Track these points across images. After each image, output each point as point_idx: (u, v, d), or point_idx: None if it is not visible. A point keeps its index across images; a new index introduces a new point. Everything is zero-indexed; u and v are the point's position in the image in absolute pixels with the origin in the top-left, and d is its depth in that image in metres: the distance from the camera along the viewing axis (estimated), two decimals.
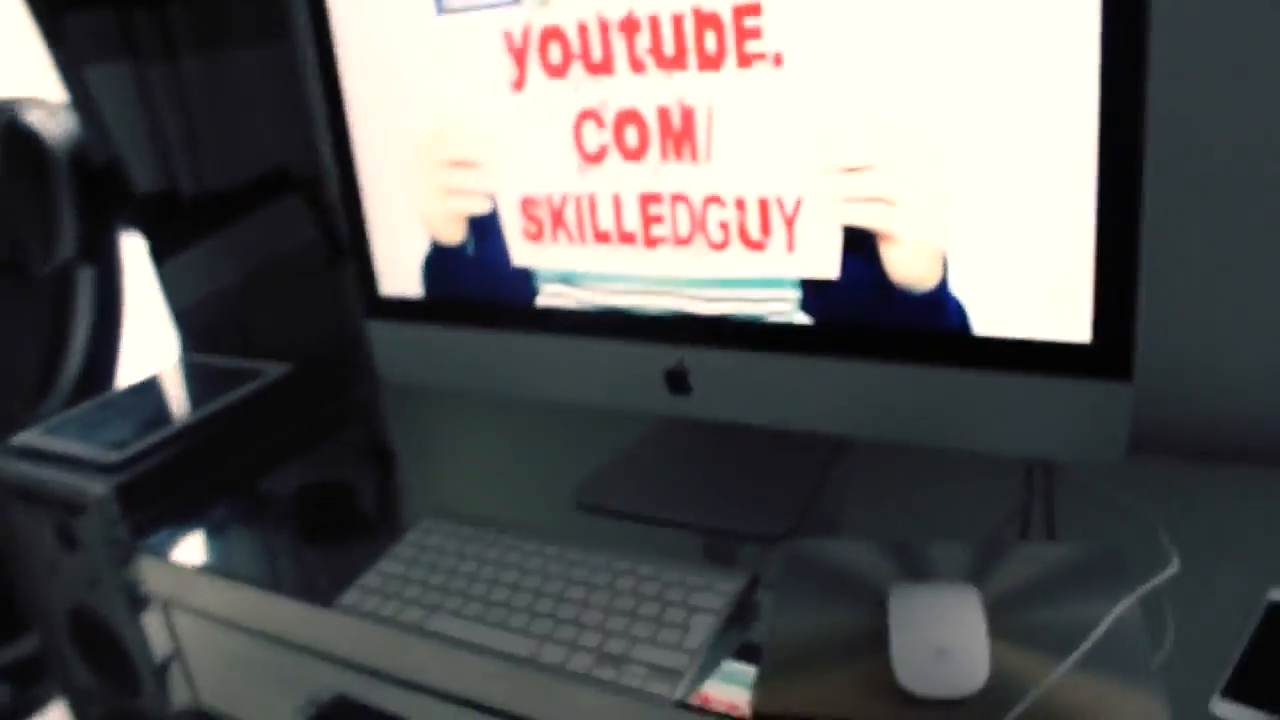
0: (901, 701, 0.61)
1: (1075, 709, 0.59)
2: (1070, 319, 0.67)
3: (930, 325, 0.72)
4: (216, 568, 0.90)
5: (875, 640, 0.66)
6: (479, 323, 0.91)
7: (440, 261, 0.92)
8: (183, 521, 0.96)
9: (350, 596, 0.80)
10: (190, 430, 1.02)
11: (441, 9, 0.83)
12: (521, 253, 0.87)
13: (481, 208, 0.88)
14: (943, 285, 0.71)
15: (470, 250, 0.90)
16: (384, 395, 1.22)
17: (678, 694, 0.65)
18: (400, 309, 0.96)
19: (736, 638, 0.70)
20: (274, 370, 1.14)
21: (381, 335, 0.99)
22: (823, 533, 0.84)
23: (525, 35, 0.80)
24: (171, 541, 0.94)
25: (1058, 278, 0.67)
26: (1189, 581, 0.68)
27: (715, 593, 0.73)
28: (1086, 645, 0.61)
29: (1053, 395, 0.69)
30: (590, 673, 0.68)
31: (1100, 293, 0.65)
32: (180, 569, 0.91)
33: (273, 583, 0.86)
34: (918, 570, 0.74)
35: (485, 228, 0.88)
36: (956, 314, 0.71)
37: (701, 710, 0.64)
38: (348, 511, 0.97)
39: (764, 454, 0.94)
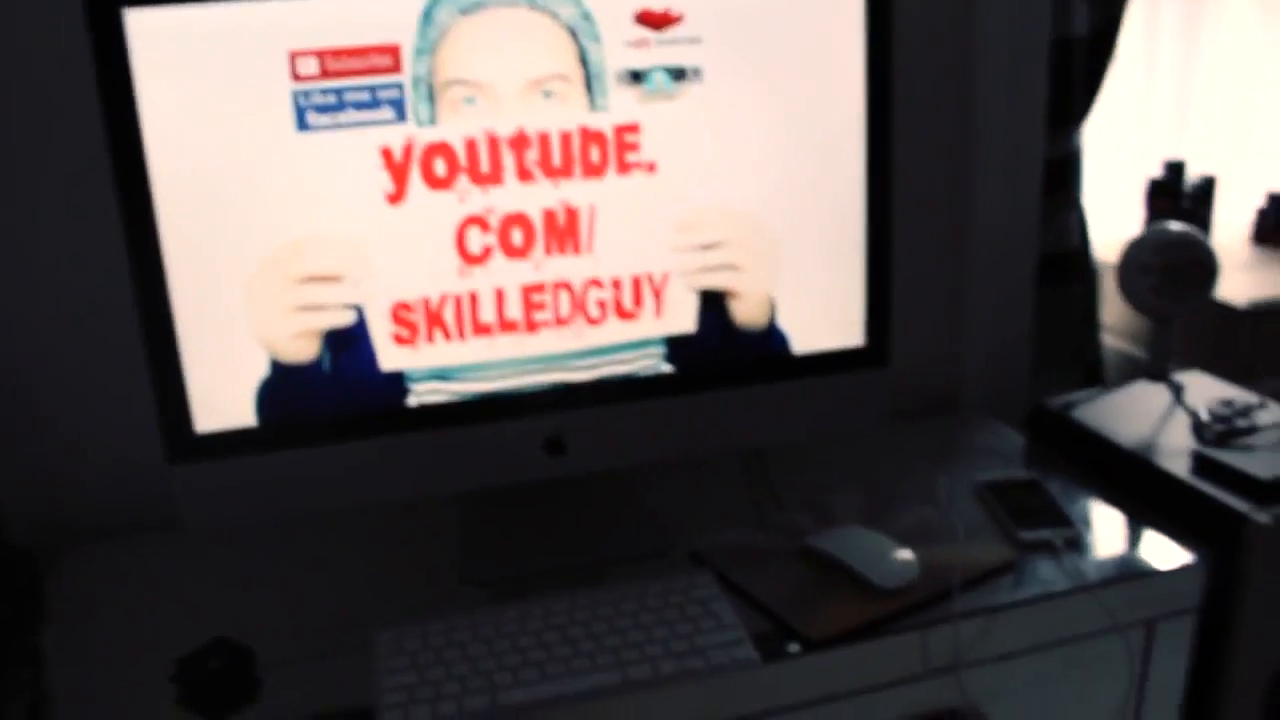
0: (884, 595, 1.02)
1: (965, 557, 1.07)
2: (851, 332, 1.16)
3: (764, 353, 1.13)
4: None
5: (825, 569, 1.06)
6: (337, 437, 1.04)
7: (284, 382, 1.01)
8: None
9: (390, 717, 0.89)
10: None
11: (305, 126, 0.98)
12: (391, 357, 1.03)
13: (342, 320, 1.01)
14: (772, 323, 1.13)
15: (325, 365, 1.02)
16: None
17: (756, 655, 0.96)
18: (223, 444, 1.02)
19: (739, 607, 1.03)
20: None
21: (195, 479, 1.02)
22: (665, 539, 1.17)
23: (407, 152, 0.99)
24: None
25: (842, 306, 1.13)
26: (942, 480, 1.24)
27: (702, 585, 1.04)
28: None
29: (843, 386, 1.16)
30: (682, 669, 0.94)
31: (869, 313, 1.14)
32: None
33: None
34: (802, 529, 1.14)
35: (344, 339, 1.02)
36: (781, 342, 1.13)
37: (781, 657, 0.96)
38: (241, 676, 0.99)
39: (595, 495, 1.23)
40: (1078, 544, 1.12)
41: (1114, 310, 1.77)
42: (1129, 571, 1.09)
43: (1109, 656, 1.10)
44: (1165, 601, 1.10)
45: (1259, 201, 1.97)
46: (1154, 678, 1.13)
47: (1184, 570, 1.10)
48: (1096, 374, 1.73)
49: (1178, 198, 1.93)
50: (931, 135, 1.43)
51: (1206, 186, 1.90)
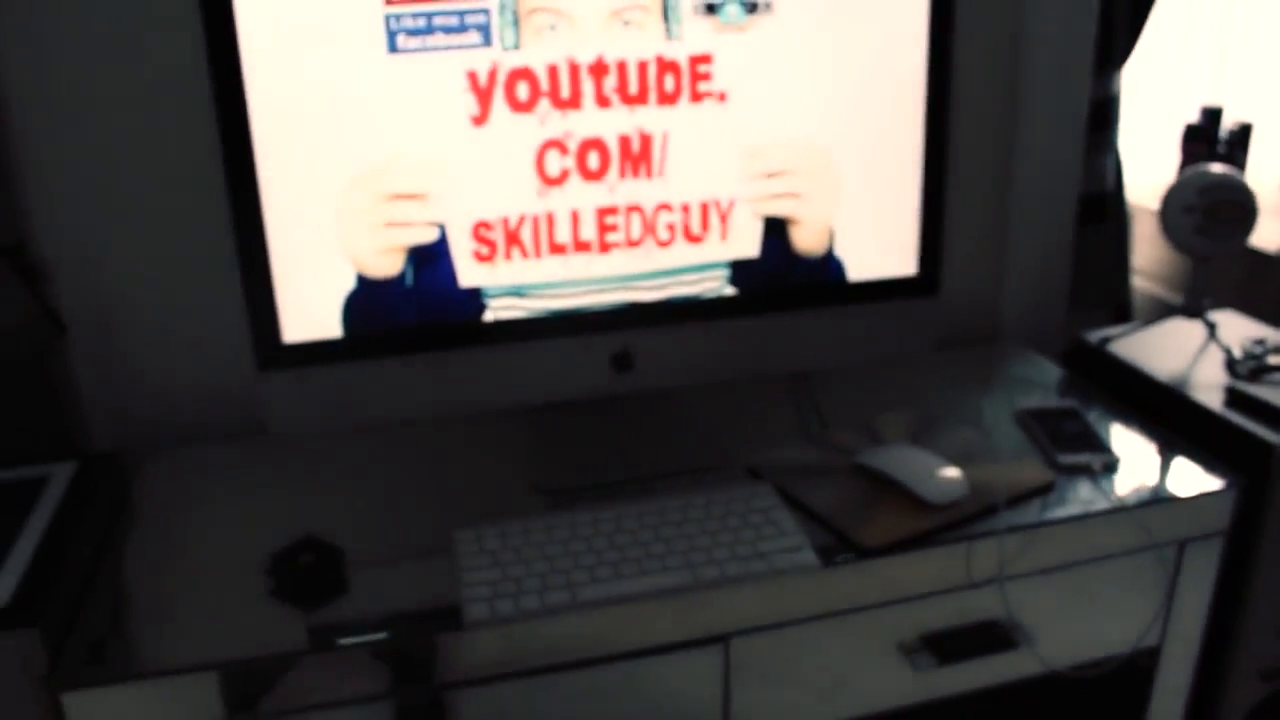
0: (933, 509, 1.09)
1: (1008, 477, 1.14)
2: (904, 261, 1.22)
3: (822, 279, 1.20)
4: None
5: (877, 485, 1.14)
6: (417, 348, 1.10)
7: (369, 295, 1.08)
8: None
9: (478, 611, 0.97)
10: None
11: (395, 48, 1.04)
12: (471, 274, 1.10)
13: (427, 237, 1.08)
14: (830, 251, 1.20)
15: (409, 280, 1.08)
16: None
17: (817, 560, 1.03)
18: (310, 354, 1.08)
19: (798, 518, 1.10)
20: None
21: (282, 386, 1.09)
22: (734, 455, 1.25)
23: (492, 75, 1.05)
24: None
25: (897, 236, 1.19)
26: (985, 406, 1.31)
27: (763, 495, 1.11)
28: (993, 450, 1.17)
29: (896, 313, 1.23)
30: (748, 571, 1.01)
31: (923, 243, 1.21)
32: None
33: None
34: (852, 448, 1.21)
35: (427, 255, 1.08)
36: (838, 270, 1.20)
37: (839, 563, 1.04)
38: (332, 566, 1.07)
39: (657, 411, 1.30)
40: (1114, 468, 1.19)
41: (1144, 252, 1.83)
42: (1163, 495, 1.16)
43: (1140, 575, 1.18)
44: (1196, 524, 1.18)
45: None
46: (1182, 596, 1.21)
47: (1215, 495, 1.17)
48: (1125, 313, 1.80)
49: (1213, 144, 1.97)
50: (983, 74, 1.49)
51: (1243, 133, 1.94)
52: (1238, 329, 1.45)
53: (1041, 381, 1.43)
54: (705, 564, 1.02)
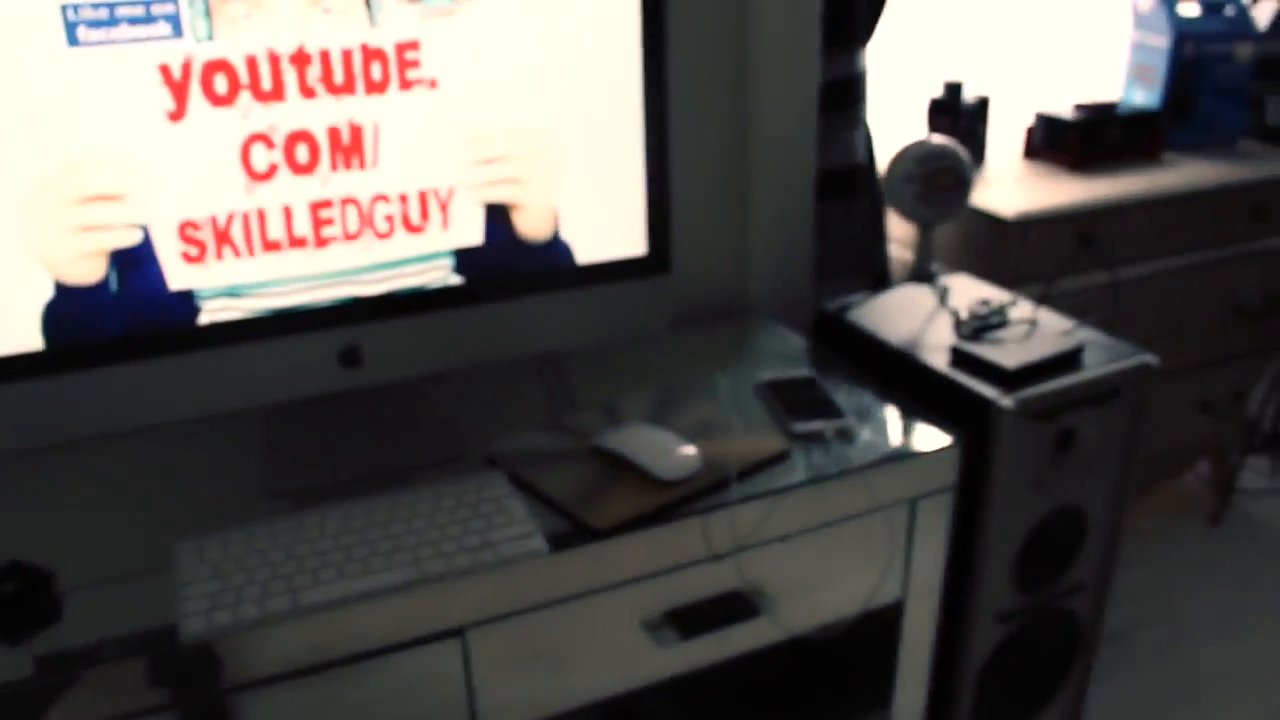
0: (665, 487, 1.11)
1: (742, 449, 1.16)
2: (634, 242, 1.23)
3: (549, 264, 1.19)
4: None
5: (613, 466, 1.14)
6: (127, 357, 1.05)
7: (71, 304, 1.02)
8: None
9: (193, 625, 0.93)
10: None
11: (76, 41, 0.98)
12: (180, 276, 1.05)
13: (128, 240, 1.03)
14: (555, 235, 1.19)
15: (113, 285, 1.03)
16: None
17: (546, 547, 1.03)
18: (8, 369, 1.02)
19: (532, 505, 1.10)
20: None
21: None
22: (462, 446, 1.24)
23: (186, 68, 1.01)
24: None
25: (625, 218, 1.21)
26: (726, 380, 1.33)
27: (495, 484, 1.11)
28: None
29: (628, 292, 1.24)
30: (476, 562, 1.00)
31: (650, 223, 1.22)
32: None
33: None
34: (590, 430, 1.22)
35: (131, 259, 1.04)
36: (565, 253, 1.20)
37: (571, 544, 1.04)
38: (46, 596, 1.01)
39: (397, 405, 1.27)
40: (847, 434, 1.23)
41: (900, 222, 1.90)
42: (891, 455, 1.20)
43: (878, 534, 1.23)
44: (925, 481, 1.23)
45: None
46: (919, 551, 1.26)
47: (941, 452, 1.22)
48: (884, 281, 1.87)
49: (956, 116, 2.07)
50: (713, 55, 1.51)
51: (981, 106, 2.04)
52: (970, 291, 1.52)
53: (787, 353, 1.47)
54: (432, 558, 1.01)
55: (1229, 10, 2.13)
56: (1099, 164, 2.04)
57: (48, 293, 1.02)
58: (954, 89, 2.04)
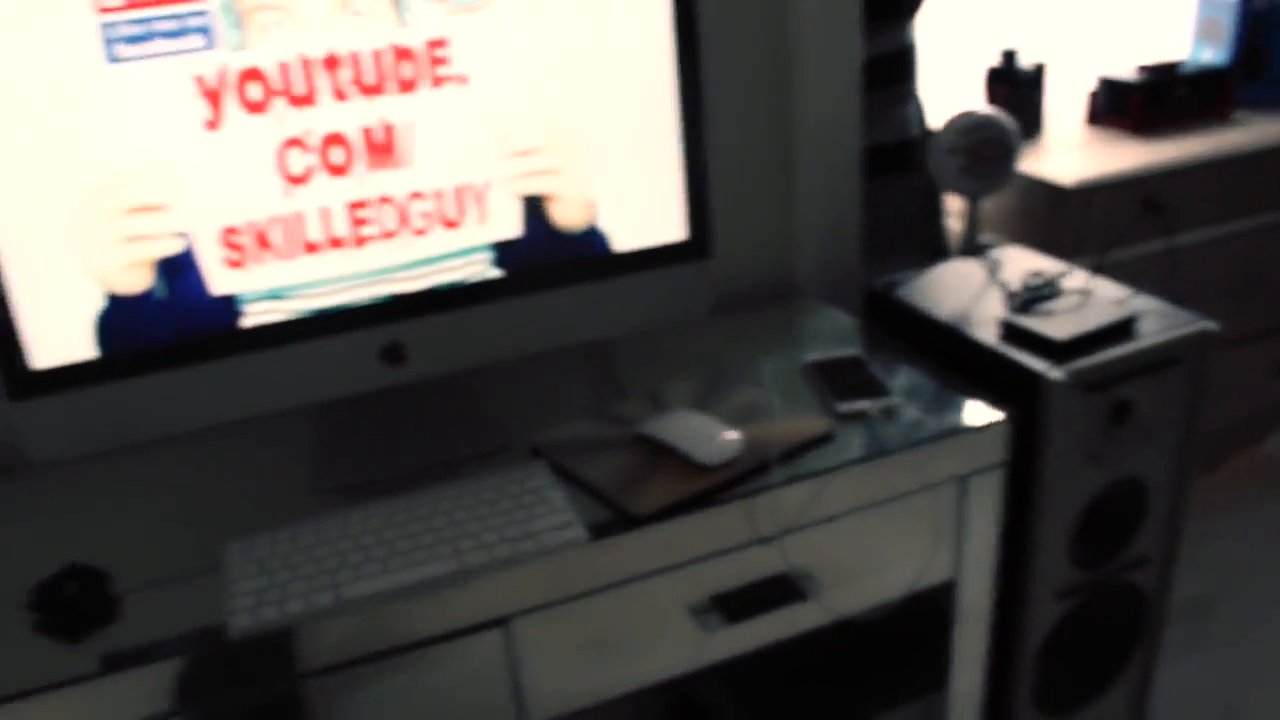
0: (706, 472, 1.11)
1: (785, 432, 1.17)
2: (673, 227, 1.24)
3: (587, 254, 1.20)
4: None
5: (655, 453, 1.15)
6: (177, 362, 1.09)
7: (121, 312, 1.06)
8: None
9: (241, 621, 0.96)
10: None
11: (115, 58, 1.01)
12: (223, 281, 1.09)
13: (173, 248, 1.07)
14: (593, 224, 1.20)
15: (160, 293, 1.07)
16: None
17: (586, 535, 1.05)
18: (64, 378, 1.06)
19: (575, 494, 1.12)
20: None
21: (38, 414, 1.07)
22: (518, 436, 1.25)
23: (221, 78, 1.04)
24: None
25: (663, 204, 1.21)
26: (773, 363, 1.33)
27: (537, 474, 1.13)
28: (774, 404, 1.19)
29: (670, 278, 1.24)
30: (517, 552, 1.02)
31: (689, 209, 1.23)
32: None
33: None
34: (635, 418, 1.23)
35: (176, 267, 1.07)
36: (603, 242, 1.21)
37: (611, 532, 1.05)
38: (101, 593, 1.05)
39: (443, 399, 1.29)
40: (893, 412, 1.23)
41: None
42: (939, 433, 1.19)
43: (926, 513, 1.22)
44: (975, 458, 1.22)
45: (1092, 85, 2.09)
46: (971, 529, 1.25)
47: (990, 428, 1.21)
48: (943, 256, 1.84)
49: (1014, 84, 2.03)
50: (751, 35, 1.50)
51: (1037, 73, 2.00)
52: (1023, 263, 1.49)
53: (835, 333, 1.46)
54: (473, 549, 1.03)
55: None
56: (1164, 126, 2.00)
57: (99, 303, 1.06)
58: (1009, 56, 2.01)
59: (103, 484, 1.26)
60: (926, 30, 1.87)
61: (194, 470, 1.27)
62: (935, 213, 1.86)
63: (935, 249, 1.87)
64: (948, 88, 2.06)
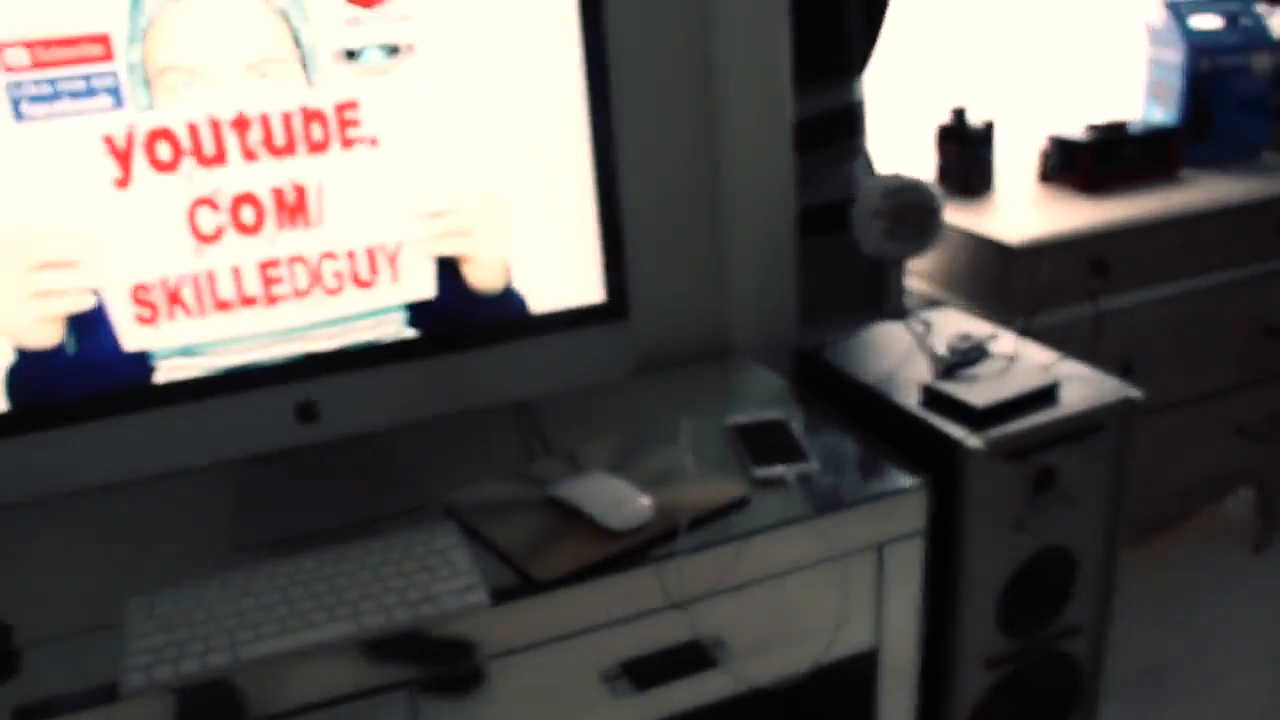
0: (614, 537, 1.11)
1: (698, 497, 1.16)
2: (591, 289, 1.24)
3: (502, 315, 1.21)
4: None
5: (567, 516, 1.15)
6: (86, 416, 1.10)
7: (31, 367, 1.07)
8: None
9: (134, 680, 0.96)
10: None
11: (21, 116, 1.02)
12: (135, 337, 1.09)
13: (83, 304, 1.07)
14: (508, 285, 1.21)
15: (71, 349, 1.07)
16: None
17: (487, 599, 1.04)
18: None
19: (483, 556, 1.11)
20: None
21: None
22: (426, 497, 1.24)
23: (129, 138, 1.05)
24: None
25: (580, 265, 1.22)
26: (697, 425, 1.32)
27: (444, 535, 1.12)
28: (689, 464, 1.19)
29: (586, 340, 1.25)
30: (416, 616, 1.01)
31: (607, 270, 1.24)
32: None
33: None
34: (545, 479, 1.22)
35: (87, 323, 1.08)
36: (519, 303, 1.22)
37: (514, 596, 1.05)
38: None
39: (344, 458, 1.29)
40: (810, 479, 1.22)
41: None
42: (855, 499, 1.19)
43: (844, 580, 1.21)
44: (892, 525, 1.21)
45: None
46: (891, 597, 1.24)
47: (906, 495, 1.21)
48: (900, 315, 1.84)
49: (964, 141, 2.04)
50: (675, 96, 1.51)
51: (987, 131, 2.02)
52: (954, 325, 1.50)
53: (764, 395, 1.46)
54: (374, 611, 1.02)
55: (1244, 21, 2.08)
56: (1113, 185, 2.01)
57: (9, 357, 1.07)
58: (959, 114, 2.02)
59: (12, 537, 1.25)
60: (876, 87, 1.88)
61: (107, 525, 1.26)
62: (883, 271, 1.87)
63: (894, 307, 1.88)
64: (898, 145, 2.08)
